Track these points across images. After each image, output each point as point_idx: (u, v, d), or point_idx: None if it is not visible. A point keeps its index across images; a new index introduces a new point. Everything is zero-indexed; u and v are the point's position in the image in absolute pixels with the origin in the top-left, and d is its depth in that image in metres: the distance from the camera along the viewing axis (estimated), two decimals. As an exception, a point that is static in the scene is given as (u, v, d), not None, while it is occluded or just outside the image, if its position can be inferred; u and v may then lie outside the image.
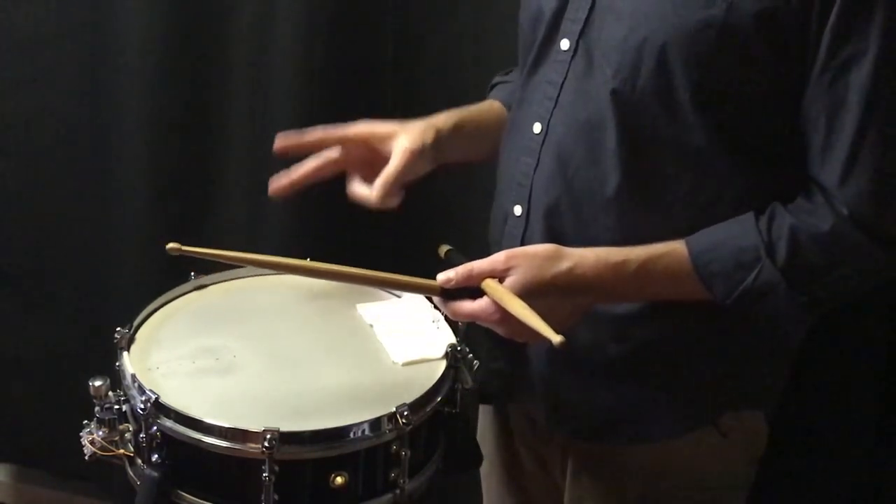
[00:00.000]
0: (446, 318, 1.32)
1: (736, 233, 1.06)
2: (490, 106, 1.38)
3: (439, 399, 1.19)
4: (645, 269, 1.07)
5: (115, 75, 1.86)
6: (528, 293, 1.05)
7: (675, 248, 1.08)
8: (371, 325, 1.32)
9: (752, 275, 1.04)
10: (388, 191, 1.19)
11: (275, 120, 1.80)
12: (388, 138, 1.24)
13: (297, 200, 1.82)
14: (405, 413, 1.11)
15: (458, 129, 1.29)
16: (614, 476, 1.21)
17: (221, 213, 1.91)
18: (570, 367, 1.18)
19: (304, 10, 1.71)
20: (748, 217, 1.06)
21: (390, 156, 1.21)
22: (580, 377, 1.19)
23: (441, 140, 1.25)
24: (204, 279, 1.39)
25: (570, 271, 1.07)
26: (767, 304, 1.06)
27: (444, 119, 1.28)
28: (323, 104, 1.78)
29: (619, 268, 1.07)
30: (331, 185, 1.85)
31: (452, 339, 1.27)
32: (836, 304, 1.11)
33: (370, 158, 1.24)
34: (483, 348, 1.29)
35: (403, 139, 1.22)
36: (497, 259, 1.08)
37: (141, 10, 1.79)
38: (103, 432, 1.18)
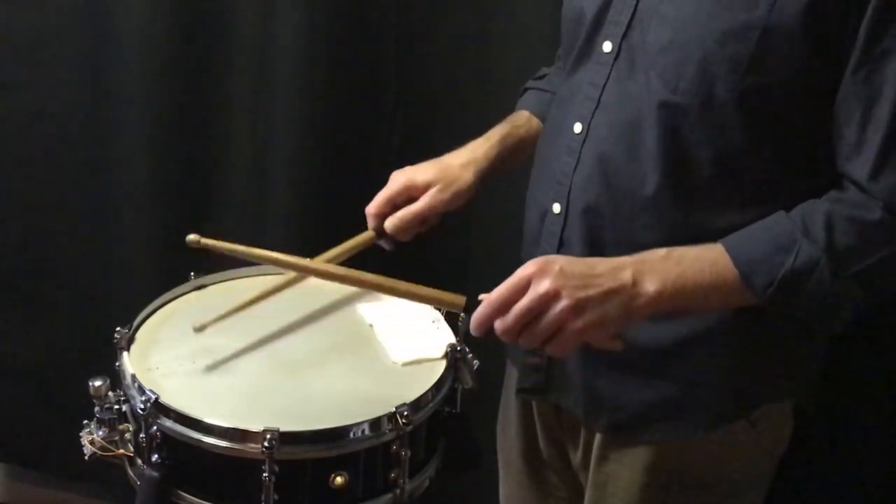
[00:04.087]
0: (446, 318, 1.32)
1: (768, 224, 1.06)
2: (527, 122, 1.41)
3: (439, 399, 1.19)
4: (676, 251, 1.06)
5: (115, 75, 1.86)
6: (568, 273, 1.02)
7: (709, 244, 1.07)
8: (371, 325, 1.32)
9: (792, 256, 1.03)
10: (398, 228, 1.33)
11: (275, 120, 1.80)
12: (424, 189, 1.32)
13: (297, 201, 1.83)
14: (405, 413, 1.11)
15: (499, 160, 1.36)
16: (640, 462, 1.21)
17: (222, 214, 1.91)
18: (608, 363, 1.18)
19: (305, 10, 1.71)
20: (777, 213, 1.07)
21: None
22: (617, 373, 1.19)
23: (481, 176, 1.34)
24: (204, 279, 1.39)
25: (601, 259, 1.07)
26: (811, 291, 1.03)
27: (484, 153, 1.35)
28: (324, 104, 1.78)
29: (649, 252, 1.07)
30: (331, 185, 1.85)
31: (452, 339, 1.27)
32: (884, 295, 1.08)
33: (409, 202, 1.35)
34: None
35: (433, 195, 1.32)
36: (532, 263, 1.05)
37: (141, 10, 1.79)
38: (103, 432, 1.18)
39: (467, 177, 1.33)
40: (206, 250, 1.22)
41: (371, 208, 1.35)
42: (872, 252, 1.03)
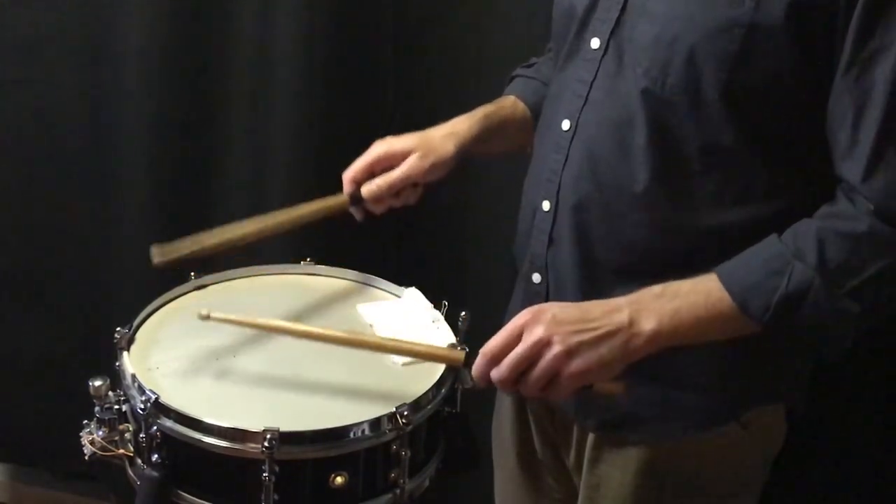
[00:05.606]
0: (446, 318, 1.32)
1: (760, 248, 1.06)
2: (513, 105, 1.41)
3: (439, 399, 1.19)
4: (671, 287, 1.06)
5: (115, 75, 1.86)
6: (560, 319, 1.03)
7: (703, 276, 1.06)
8: (371, 325, 1.32)
9: (785, 279, 1.02)
10: (374, 194, 1.32)
11: (275, 120, 1.80)
12: (404, 156, 1.32)
13: (296, 201, 1.83)
14: (405, 413, 1.11)
15: (481, 136, 1.36)
16: (632, 465, 1.21)
17: (221, 213, 1.91)
18: None
19: (305, 10, 1.71)
20: (769, 237, 1.06)
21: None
22: None
23: (463, 148, 1.33)
24: (204, 279, 1.39)
25: (596, 302, 1.07)
26: (809, 312, 1.02)
27: (467, 127, 1.35)
28: (323, 104, 1.78)
29: (643, 291, 1.06)
30: (330, 186, 1.85)
31: (452, 339, 1.27)
32: (884, 313, 1.06)
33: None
34: None
35: (411, 162, 1.31)
36: (525, 313, 1.06)
37: (141, 9, 1.79)
38: (103, 432, 1.18)
39: (448, 147, 1.32)
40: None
41: (348, 174, 1.34)
42: (865, 266, 1.02)
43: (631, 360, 1.04)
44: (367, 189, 1.32)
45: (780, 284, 1.02)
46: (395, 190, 1.33)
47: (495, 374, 1.04)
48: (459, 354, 1.13)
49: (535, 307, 1.05)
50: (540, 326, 1.02)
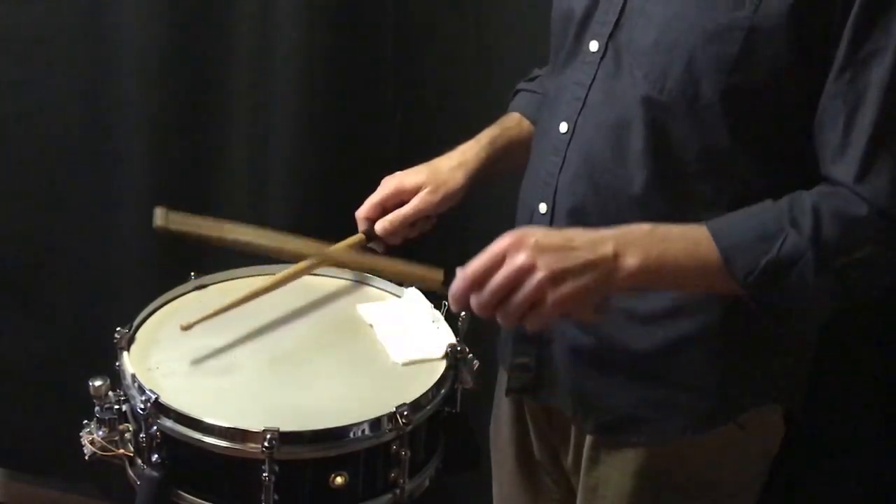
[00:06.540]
0: (446, 319, 1.32)
1: (755, 210, 1.05)
2: (518, 123, 1.40)
3: (439, 399, 1.19)
4: (661, 228, 1.04)
5: (114, 75, 1.86)
6: (544, 245, 1.00)
7: (694, 225, 1.05)
8: (371, 325, 1.32)
9: (777, 244, 1.01)
10: (388, 230, 1.33)
11: (275, 120, 1.80)
12: (414, 192, 1.33)
13: (297, 201, 1.83)
14: (405, 413, 1.11)
15: (489, 161, 1.36)
16: (630, 466, 1.21)
17: (221, 214, 1.91)
18: (596, 363, 1.19)
19: (305, 10, 1.72)
20: (765, 201, 1.05)
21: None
22: (605, 373, 1.19)
23: (472, 178, 1.34)
24: (204, 279, 1.39)
25: (580, 230, 1.05)
26: (792, 283, 1.01)
27: (474, 154, 1.35)
28: (323, 104, 1.78)
29: (633, 226, 1.05)
30: (331, 186, 1.85)
31: (452, 339, 1.27)
32: (868, 295, 1.06)
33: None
34: (509, 344, 1.29)
35: (422, 197, 1.33)
36: (508, 236, 1.03)
37: (141, 10, 1.79)
38: (103, 432, 1.18)
39: (458, 178, 1.33)
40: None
41: (361, 212, 1.35)
42: (856, 248, 1.01)
43: (612, 292, 1.03)
44: (381, 227, 1.33)
45: (770, 248, 1.01)
46: (408, 224, 1.34)
47: (475, 299, 1.01)
48: (437, 274, 1.11)
49: (519, 231, 1.03)
50: (523, 251, 0.99)
